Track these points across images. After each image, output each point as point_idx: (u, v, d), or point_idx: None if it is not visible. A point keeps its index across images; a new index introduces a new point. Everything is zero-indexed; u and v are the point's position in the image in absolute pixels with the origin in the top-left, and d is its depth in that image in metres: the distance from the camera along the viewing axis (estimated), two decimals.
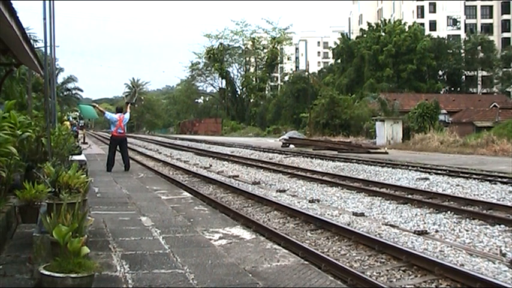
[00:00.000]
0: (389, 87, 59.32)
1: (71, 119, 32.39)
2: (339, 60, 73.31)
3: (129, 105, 15.92)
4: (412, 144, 32.06)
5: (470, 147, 28.08)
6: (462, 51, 70.35)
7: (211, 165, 21.22)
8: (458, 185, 13.79)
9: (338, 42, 74.49)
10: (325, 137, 41.85)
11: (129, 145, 17.19)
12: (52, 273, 3.70)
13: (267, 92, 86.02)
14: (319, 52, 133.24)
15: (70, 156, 9.60)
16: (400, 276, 6.19)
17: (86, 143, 26.92)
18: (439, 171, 16.93)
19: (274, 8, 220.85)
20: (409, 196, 11.89)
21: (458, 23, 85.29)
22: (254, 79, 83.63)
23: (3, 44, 8.02)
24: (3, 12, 5.65)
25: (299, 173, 17.52)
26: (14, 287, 4.22)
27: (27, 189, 6.12)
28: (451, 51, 69.58)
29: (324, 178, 15.68)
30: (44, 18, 9.72)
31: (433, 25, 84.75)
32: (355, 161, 21.40)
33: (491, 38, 74.94)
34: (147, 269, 4.78)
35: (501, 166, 18.27)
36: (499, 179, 14.52)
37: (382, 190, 12.93)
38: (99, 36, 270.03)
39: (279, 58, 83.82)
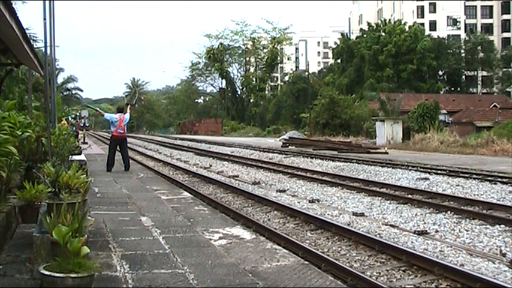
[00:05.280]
0: (389, 87, 59.33)
1: (70, 119, 32.38)
2: (339, 60, 73.31)
3: (128, 106, 15.93)
4: (412, 144, 32.06)
5: (470, 147, 28.08)
6: (462, 51, 70.38)
7: (211, 165, 21.22)
8: (458, 185, 13.79)
9: (338, 42, 74.48)
10: (325, 137, 41.84)
11: (129, 145, 17.20)
12: (52, 273, 3.71)
13: (267, 92, 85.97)
14: (319, 52, 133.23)
15: (70, 156, 9.59)
16: (400, 276, 6.19)
17: (86, 143, 26.89)
18: (439, 171, 16.93)
19: (274, 8, 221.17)
20: (409, 196, 11.89)
21: (458, 23, 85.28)
22: (254, 79, 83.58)
23: (3, 44, 8.01)
24: (3, 12, 5.65)
25: (299, 173, 17.51)
26: (14, 287, 4.22)
27: (27, 189, 6.12)
28: (451, 51, 69.60)
29: (324, 178, 15.68)
30: (44, 18, 9.71)
31: (433, 25, 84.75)
32: (355, 161, 21.39)
33: (491, 38, 74.98)
34: (147, 269, 4.78)
35: (501, 166, 18.26)
36: (499, 179, 14.52)
37: (382, 190, 12.93)
38: (99, 36, 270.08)
39: (279, 58, 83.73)
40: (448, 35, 79.77)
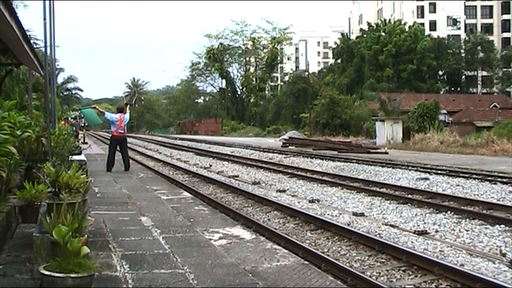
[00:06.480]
0: (389, 87, 59.32)
1: (69, 119, 32.35)
2: (339, 60, 73.32)
3: (128, 105, 15.92)
4: (412, 144, 32.05)
5: (470, 147, 28.07)
6: (462, 51, 70.35)
7: (211, 165, 21.22)
8: (458, 185, 13.79)
9: (338, 42, 74.49)
10: (325, 137, 41.83)
11: (129, 145, 17.19)
12: (52, 273, 3.71)
13: (267, 92, 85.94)
14: (319, 52, 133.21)
15: (70, 156, 9.59)
16: (400, 276, 6.20)
17: (86, 143, 26.89)
18: (439, 171, 16.93)
19: (274, 8, 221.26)
20: (409, 196, 11.89)
21: (458, 23, 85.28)
22: (254, 79, 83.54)
23: (3, 44, 8.02)
24: (3, 12, 5.65)
25: (299, 173, 17.51)
26: (14, 287, 4.22)
27: (27, 189, 6.12)
28: (451, 51, 69.57)
29: (324, 178, 15.68)
30: (44, 18, 9.69)
31: (433, 25, 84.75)
32: (355, 161, 21.39)
33: (491, 38, 74.97)
34: (147, 269, 4.79)
35: (501, 166, 18.26)
36: (499, 179, 14.51)
37: (382, 190, 12.92)
38: (99, 36, 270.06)
39: (279, 58, 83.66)
40: (448, 35, 79.75)
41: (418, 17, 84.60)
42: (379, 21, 74.33)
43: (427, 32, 75.25)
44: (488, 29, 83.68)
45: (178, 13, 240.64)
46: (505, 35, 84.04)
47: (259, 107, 79.57)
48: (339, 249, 7.41)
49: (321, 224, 8.79)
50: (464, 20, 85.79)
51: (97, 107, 16.72)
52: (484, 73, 72.21)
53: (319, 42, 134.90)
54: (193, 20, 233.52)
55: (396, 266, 6.51)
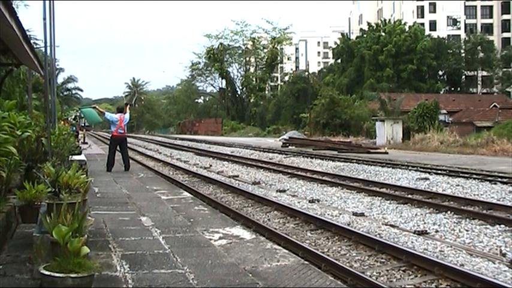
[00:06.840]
0: (389, 87, 59.32)
1: (69, 119, 32.33)
2: (339, 60, 73.34)
3: (128, 106, 15.93)
4: (412, 144, 32.05)
5: (470, 147, 28.07)
6: (462, 51, 70.35)
7: (211, 165, 21.22)
8: (458, 185, 13.78)
9: (338, 42, 74.51)
10: (325, 137, 41.82)
11: (129, 145, 17.20)
12: (52, 273, 3.71)
13: (267, 92, 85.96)
14: (319, 52, 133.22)
15: (70, 156, 9.59)
16: (400, 276, 6.20)
17: (86, 143, 26.87)
18: (439, 171, 16.93)
19: (274, 8, 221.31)
20: (409, 196, 11.89)
21: (458, 23, 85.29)
22: (254, 79, 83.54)
23: (3, 44, 8.02)
24: (3, 12, 5.66)
25: (299, 173, 17.51)
26: (14, 287, 4.22)
27: (27, 189, 6.11)
28: (451, 51, 69.58)
29: (324, 178, 15.68)
30: (44, 18, 9.69)
31: (433, 25, 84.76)
32: (355, 161, 21.39)
33: (491, 38, 74.98)
34: (147, 269, 4.79)
35: (501, 166, 18.26)
36: (499, 179, 14.51)
37: (382, 190, 12.92)
38: (99, 36, 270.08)
39: (279, 58, 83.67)
40: (448, 35, 79.76)
41: (418, 17, 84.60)
42: (379, 21, 74.33)
43: (427, 32, 75.26)
44: (488, 29, 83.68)
45: (178, 13, 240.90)
46: (505, 35, 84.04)
47: (259, 107, 79.59)
48: (339, 249, 7.41)
49: (321, 224, 8.79)
50: (464, 20, 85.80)
51: (97, 107, 16.72)
52: (484, 73, 72.21)
53: (319, 42, 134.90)
54: (193, 20, 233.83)
55: (396, 266, 6.51)
